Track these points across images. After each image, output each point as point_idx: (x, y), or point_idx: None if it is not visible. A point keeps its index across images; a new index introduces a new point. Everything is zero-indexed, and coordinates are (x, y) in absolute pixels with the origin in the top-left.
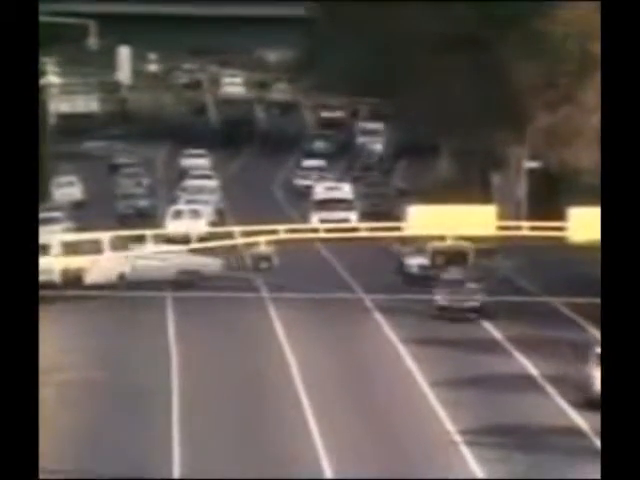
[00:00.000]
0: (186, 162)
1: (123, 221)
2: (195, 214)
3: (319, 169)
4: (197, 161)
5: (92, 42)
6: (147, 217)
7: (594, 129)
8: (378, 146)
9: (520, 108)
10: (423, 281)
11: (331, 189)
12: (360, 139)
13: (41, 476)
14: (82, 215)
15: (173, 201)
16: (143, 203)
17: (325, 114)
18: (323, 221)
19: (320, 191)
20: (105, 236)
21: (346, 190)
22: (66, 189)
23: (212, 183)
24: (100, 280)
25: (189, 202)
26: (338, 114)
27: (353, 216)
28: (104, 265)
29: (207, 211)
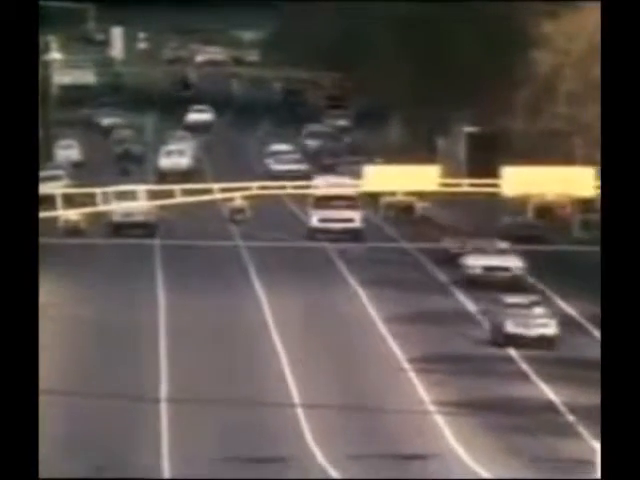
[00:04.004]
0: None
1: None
2: (181, 153)
3: (287, 153)
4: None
5: (90, 24)
6: (139, 161)
7: (524, 99)
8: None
9: (463, 81)
10: (487, 285)
11: (334, 184)
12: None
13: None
14: (80, 173)
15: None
16: (136, 149)
17: (291, 86)
18: (324, 221)
19: (321, 186)
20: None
21: (350, 186)
22: (66, 151)
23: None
24: None
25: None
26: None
27: (358, 216)
28: None
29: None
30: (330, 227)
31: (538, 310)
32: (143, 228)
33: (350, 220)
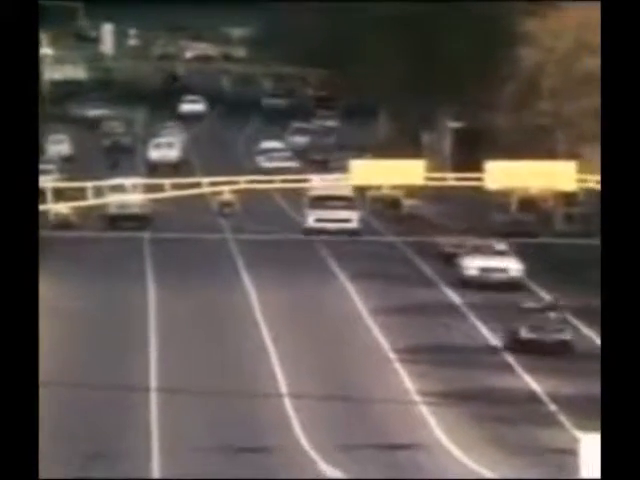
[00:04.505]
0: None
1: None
2: (170, 145)
3: (277, 150)
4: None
5: (81, 21)
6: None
7: (509, 95)
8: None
9: (448, 78)
10: (484, 286)
11: (330, 184)
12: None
13: None
14: (70, 167)
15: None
16: (125, 141)
17: (279, 83)
18: (320, 220)
19: (317, 186)
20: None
21: (346, 186)
22: (57, 145)
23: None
24: None
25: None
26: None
27: (355, 216)
28: None
29: (178, 144)
30: (326, 227)
31: (554, 315)
32: (138, 220)
33: (347, 220)
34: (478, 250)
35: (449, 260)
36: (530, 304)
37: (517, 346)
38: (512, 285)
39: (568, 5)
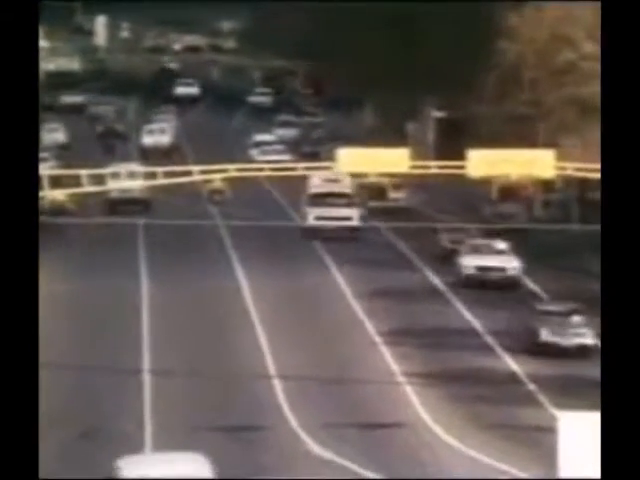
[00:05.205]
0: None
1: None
2: (162, 131)
3: (270, 143)
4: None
5: (76, 14)
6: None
7: (490, 85)
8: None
9: (432, 70)
10: (482, 285)
11: (329, 181)
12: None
13: None
14: (66, 155)
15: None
16: (118, 127)
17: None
18: (320, 219)
19: (316, 184)
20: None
21: (346, 183)
22: (52, 134)
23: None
24: None
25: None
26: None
27: (355, 213)
28: None
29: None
30: (326, 225)
31: (576, 319)
32: (138, 204)
33: (347, 218)
34: (477, 249)
35: (448, 257)
36: (551, 306)
37: (536, 349)
38: (511, 284)
39: (546, 6)
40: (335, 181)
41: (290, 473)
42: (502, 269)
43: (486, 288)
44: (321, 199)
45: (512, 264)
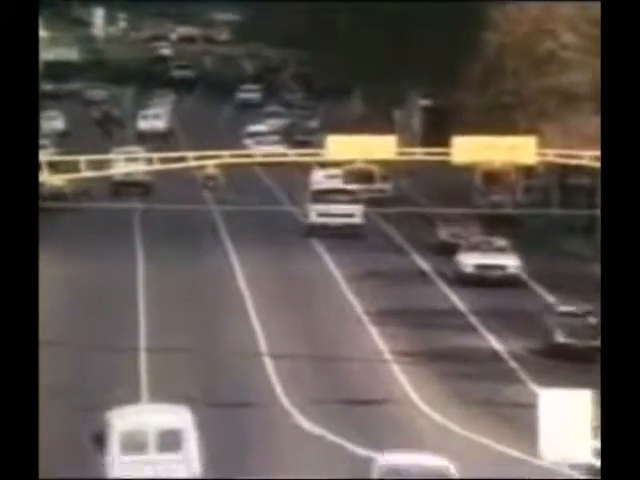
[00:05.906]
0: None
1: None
2: (157, 116)
3: (264, 134)
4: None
5: (74, 5)
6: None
7: (474, 75)
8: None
9: (418, 59)
10: (480, 283)
11: (332, 177)
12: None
13: None
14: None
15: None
16: (115, 112)
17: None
18: (322, 215)
19: (319, 180)
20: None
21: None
22: (51, 122)
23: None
24: None
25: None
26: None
27: (358, 210)
28: None
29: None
30: (329, 222)
31: (592, 320)
32: (141, 186)
33: (350, 215)
34: (476, 247)
35: (449, 251)
36: (566, 307)
37: (552, 350)
38: (510, 282)
39: (528, 6)
40: (338, 177)
41: (277, 444)
42: (502, 267)
43: (486, 286)
44: (323, 195)
45: (513, 262)
